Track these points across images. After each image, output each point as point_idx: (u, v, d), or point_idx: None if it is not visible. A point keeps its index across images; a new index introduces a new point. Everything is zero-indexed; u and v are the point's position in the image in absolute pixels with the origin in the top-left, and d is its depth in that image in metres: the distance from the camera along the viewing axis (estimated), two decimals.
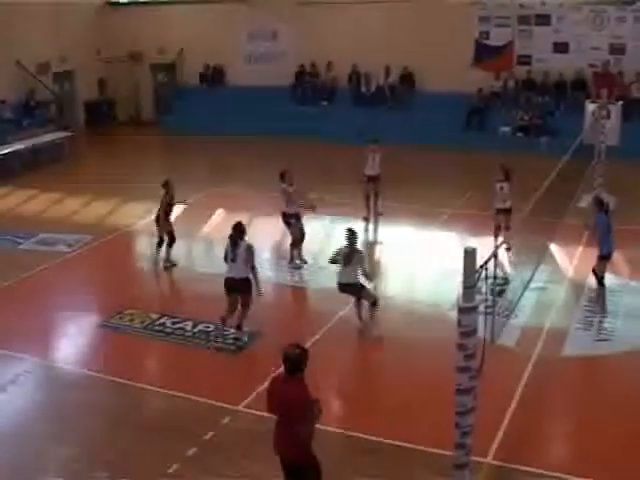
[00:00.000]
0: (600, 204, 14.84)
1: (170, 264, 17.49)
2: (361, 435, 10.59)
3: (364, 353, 13.50)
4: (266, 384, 11.51)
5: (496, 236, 16.74)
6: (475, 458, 9.36)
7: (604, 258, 14.55)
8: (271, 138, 28.57)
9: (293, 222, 17.20)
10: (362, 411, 11.46)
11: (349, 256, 13.47)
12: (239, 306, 13.59)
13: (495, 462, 10.22)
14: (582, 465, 10.25)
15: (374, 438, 10.61)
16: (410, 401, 11.58)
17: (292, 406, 8.08)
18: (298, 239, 17.28)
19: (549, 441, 10.95)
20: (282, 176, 17.32)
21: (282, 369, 8.29)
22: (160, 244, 17.55)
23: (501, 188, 17.09)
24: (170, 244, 17.46)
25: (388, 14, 30.56)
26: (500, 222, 17.02)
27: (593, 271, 14.81)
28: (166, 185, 17.45)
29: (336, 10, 31.48)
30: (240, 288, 13.53)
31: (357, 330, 13.97)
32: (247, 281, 13.45)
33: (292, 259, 17.34)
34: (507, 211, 16.97)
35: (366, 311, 13.86)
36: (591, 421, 11.25)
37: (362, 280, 13.60)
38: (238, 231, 13.59)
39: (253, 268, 13.41)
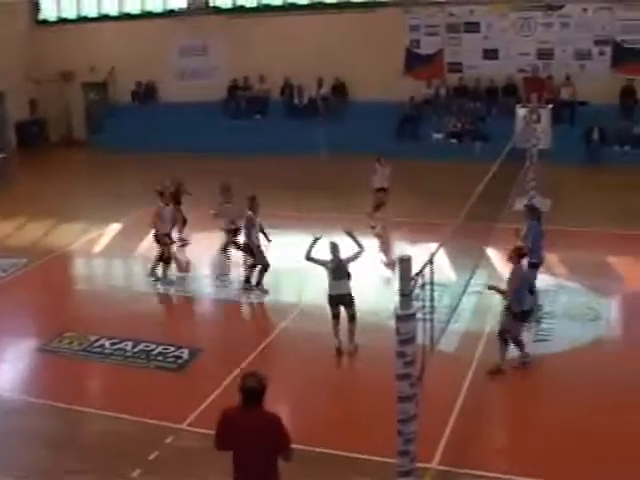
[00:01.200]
0: (533, 212, 14.96)
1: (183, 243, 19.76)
2: (305, 447, 10.54)
3: (306, 365, 13.40)
4: (209, 401, 11.67)
5: (375, 211, 19.92)
6: (420, 464, 9.39)
7: (534, 266, 14.62)
8: (205, 153, 28.43)
9: (165, 241, 17.16)
10: (306, 422, 11.43)
11: (339, 269, 13.42)
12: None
13: (440, 467, 10.25)
14: (527, 465, 10.33)
15: (318, 449, 10.57)
16: (354, 410, 11.61)
17: (267, 433, 7.45)
18: (167, 257, 17.21)
19: (493, 443, 11.06)
20: (161, 194, 17.31)
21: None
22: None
23: (381, 171, 19.84)
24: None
25: (319, 26, 30.70)
26: (380, 200, 19.75)
27: None
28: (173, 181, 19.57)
29: (266, 23, 31.52)
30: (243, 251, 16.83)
31: (301, 342, 13.98)
32: (246, 245, 16.47)
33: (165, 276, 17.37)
34: (384, 190, 19.82)
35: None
36: (533, 421, 11.38)
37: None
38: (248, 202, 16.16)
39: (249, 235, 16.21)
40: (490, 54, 30.14)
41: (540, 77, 28.77)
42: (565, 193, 22.34)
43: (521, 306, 12.48)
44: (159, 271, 17.20)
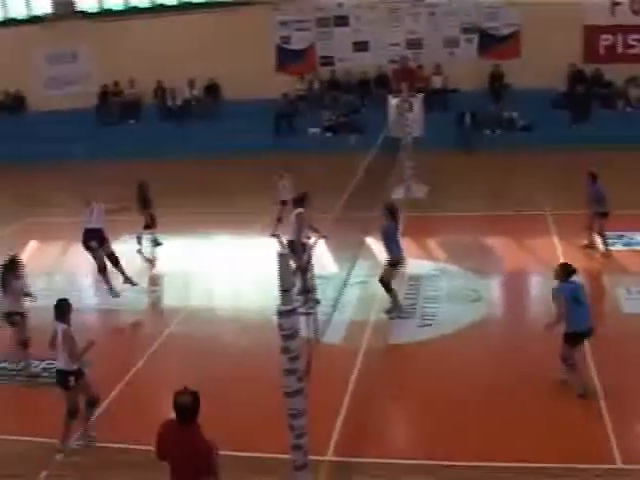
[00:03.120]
0: (390, 212, 14.72)
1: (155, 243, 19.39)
2: None
3: (196, 369, 13.23)
4: (98, 413, 11.42)
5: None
6: (314, 457, 9.43)
7: (393, 265, 14.49)
8: (80, 162, 27.80)
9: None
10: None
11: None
12: None
13: (335, 458, 10.31)
14: (420, 447, 10.55)
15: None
16: (246, 410, 11.50)
17: (198, 457, 7.56)
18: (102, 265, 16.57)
19: (383, 430, 11.16)
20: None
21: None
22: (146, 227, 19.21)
23: (284, 186, 18.96)
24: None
25: (188, 27, 30.42)
26: (281, 214, 18.75)
27: (380, 280, 14.50)
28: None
29: (135, 26, 31.06)
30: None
31: (187, 346, 13.84)
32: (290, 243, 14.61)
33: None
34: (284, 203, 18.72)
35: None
36: (424, 404, 11.53)
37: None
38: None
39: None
40: (360, 46, 30.43)
41: (410, 67, 29.21)
42: (441, 179, 22.74)
43: (570, 327, 11.32)
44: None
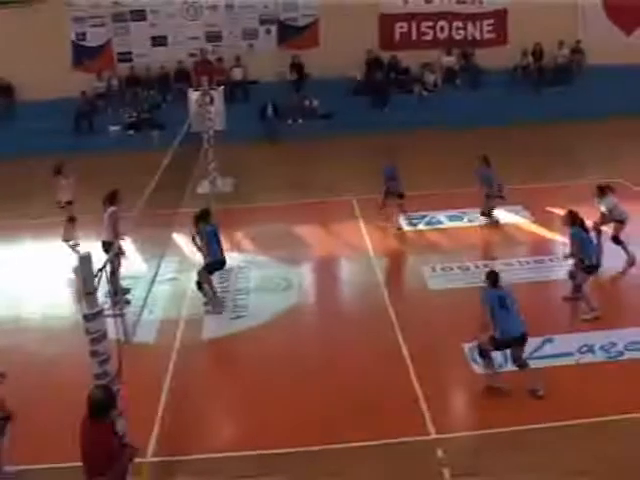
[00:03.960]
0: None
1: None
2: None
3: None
4: None
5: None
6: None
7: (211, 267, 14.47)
8: None
9: None
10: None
11: None
12: None
13: (155, 459, 10.23)
14: (241, 439, 10.68)
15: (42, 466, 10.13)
16: (55, 419, 11.07)
17: (103, 452, 7.52)
18: None
19: (207, 424, 11.19)
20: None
21: None
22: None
23: (65, 183, 18.10)
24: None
25: None
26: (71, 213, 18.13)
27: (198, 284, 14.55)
28: None
29: None
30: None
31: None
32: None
33: None
34: (69, 203, 18.13)
35: None
36: (243, 395, 11.65)
37: None
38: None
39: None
40: (159, 41, 30.12)
41: (209, 60, 29.21)
42: (247, 171, 22.85)
43: (498, 332, 11.00)
44: None
